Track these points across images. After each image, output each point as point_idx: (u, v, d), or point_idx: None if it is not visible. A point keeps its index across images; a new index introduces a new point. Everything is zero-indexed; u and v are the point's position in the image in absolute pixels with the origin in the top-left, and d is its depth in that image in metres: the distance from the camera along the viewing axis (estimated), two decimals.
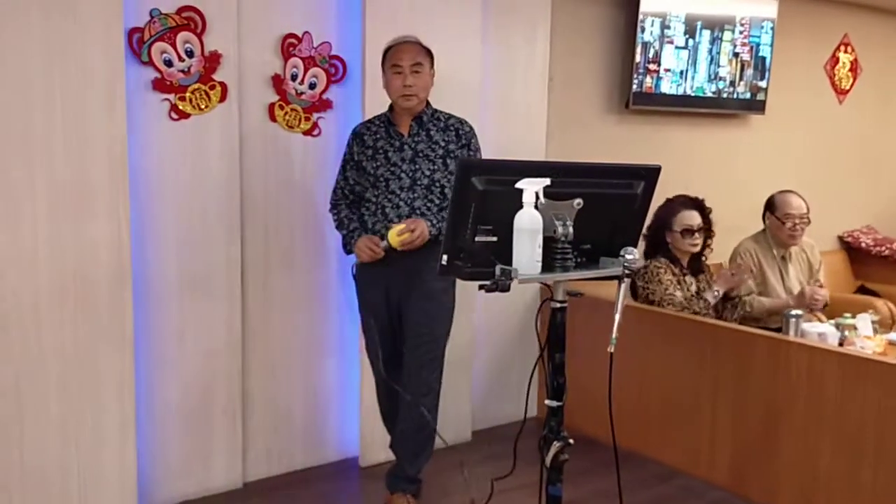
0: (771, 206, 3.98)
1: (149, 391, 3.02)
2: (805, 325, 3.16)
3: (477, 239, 2.12)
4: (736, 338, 3.27)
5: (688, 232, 3.71)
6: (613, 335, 2.29)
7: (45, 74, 2.60)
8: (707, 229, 3.83)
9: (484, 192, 2.10)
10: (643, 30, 4.23)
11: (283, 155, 3.24)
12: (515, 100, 3.88)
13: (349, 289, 3.19)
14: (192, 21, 2.93)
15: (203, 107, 2.99)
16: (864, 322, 3.52)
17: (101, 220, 2.75)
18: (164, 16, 2.88)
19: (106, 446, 2.85)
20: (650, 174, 2.28)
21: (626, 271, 2.24)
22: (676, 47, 4.40)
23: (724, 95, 4.66)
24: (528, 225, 2.06)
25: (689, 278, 3.76)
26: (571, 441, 2.21)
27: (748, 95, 4.75)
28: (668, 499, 3.28)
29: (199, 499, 3.17)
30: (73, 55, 2.64)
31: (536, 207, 2.08)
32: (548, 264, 2.12)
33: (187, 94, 2.96)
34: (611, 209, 2.24)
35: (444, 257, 2.13)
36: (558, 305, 2.20)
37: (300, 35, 3.21)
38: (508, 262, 2.07)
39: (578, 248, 2.24)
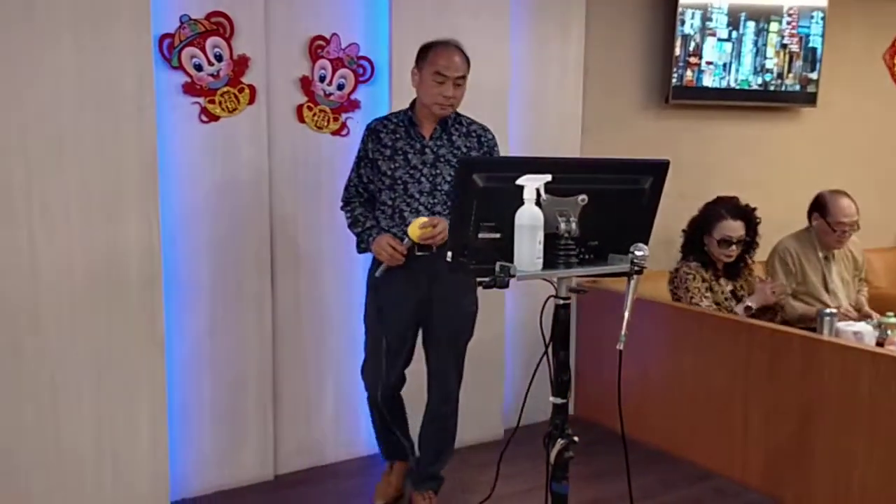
0: (821, 208, 3.80)
1: (182, 386, 3.13)
2: (840, 325, 3.06)
3: (480, 236, 2.13)
4: (769, 337, 3.19)
5: (726, 242, 3.59)
6: (623, 332, 2.25)
7: (77, 80, 2.71)
8: (749, 241, 3.69)
9: (485, 189, 2.10)
10: (683, 22, 4.16)
11: (312, 155, 3.31)
12: (548, 97, 3.87)
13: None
14: (220, 26, 3.02)
15: (232, 109, 3.08)
16: None
17: (132, 222, 2.85)
18: (193, 21, 2.97)
19: (138, 440, 2.96)
20: (658, 169, 2.25)
21: (636, 268, 2.21)
22: (719, 40, 4.30)
23: (772, 88, 4.54)
24: (529, 221, 2.05)
25: (723, 280, 3.66)
26: (576, 439, 2.19)
27: (798, 88, 4.61)
28: (697, 501, 3.23)
29: (231, 490, 3.26)
30: (103, 61, 2.75)
31: (539, 204, 2.08)
32: (551, 261, 2.11)
33: (216, 97, 3.05)
34: (618, 205, 2.22)
35: (449, 254, 2.15)
36: (561, 302, 2.18)
37: (328, 37, 3.27)
38: (513, 258, 2.07)
39: (586, 245, 2.23)
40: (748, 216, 3.69)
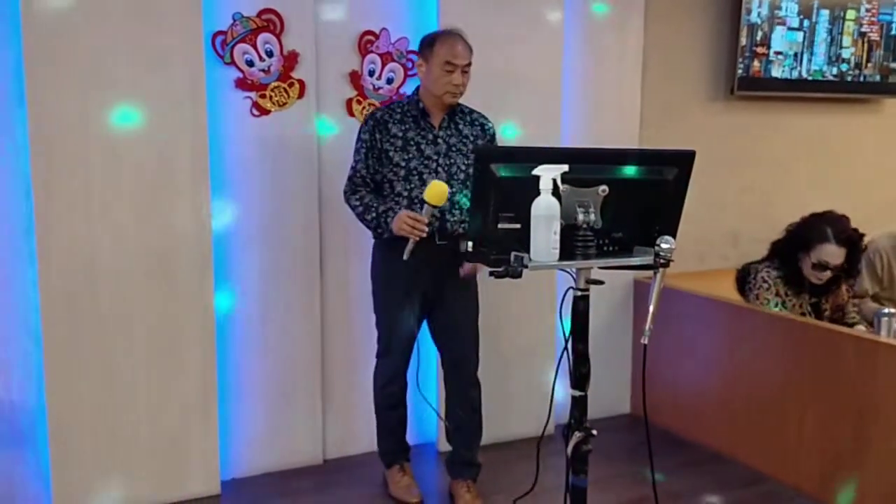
0: None
1: (234, 371, 3.25)
2: None
3: (500, 226, 2.13)
4: (824, 337, 3.06)
5: (821, 267, 3.29)
6: (647, 326, 2.23)
7: (132, 76, 2.86)
8: (848, 269, 3.37)
9: (503, 178, 2.10)
10: (749, 11, 4.02)
11: None
12: (604, 90, 3.82)
13: None
14: (271, 23, 3.12)
15: (282, 103, 3.18)
16: None
17: (184, 212, 2.99)
18: (245, 19, 3.08)
19: (190, 420, 3.10)
20: (683, 160, 2.19)
21: (661, 261, 2.17)
22: (789, 29, 4.14)
23: (849, 78, 4.33)
24: (545, 212, 2.04)
25: (804, 295, 3.42)
26: (594, 432, 2.17)
27: (878, 78, 4.39)
28: None
29: (280, 472, 3.37)
30: (157, 58, 2.89)
31: (558, 194, 2.07)
32: (569, 252, 2.10)
33: (267, 92, 3.15)
34: (642, 197, 2.18)
35: (469, 244, 2.16)
36: (580, 294, 2.17)
37: (377, 32, 3.33)
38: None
39: (610, 237, 2.21)
40: (854, 244, 3.32)
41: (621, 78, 3.85)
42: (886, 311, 2.95)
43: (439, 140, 2.90)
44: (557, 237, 2.06)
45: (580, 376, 2.18)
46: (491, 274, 2.05)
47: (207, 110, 3.01)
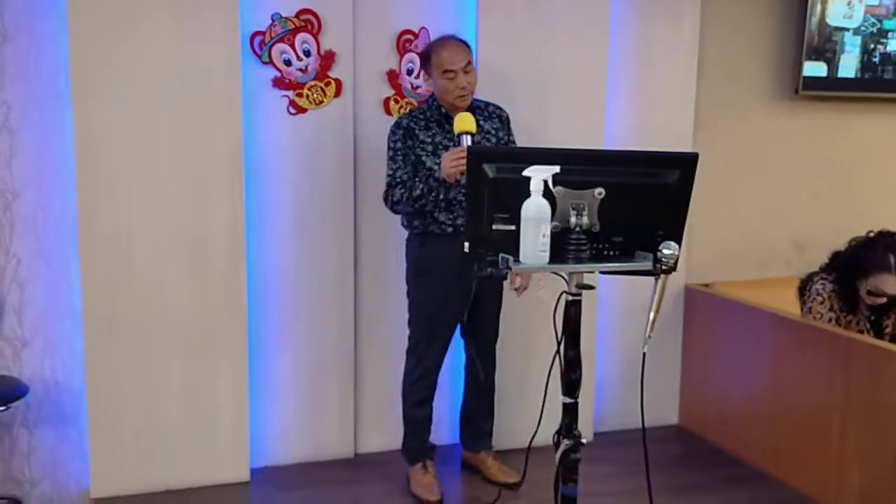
0: None
1: (267, 362, 3.33)
2: None
3: (494, 227, 2.11)
4: (868, 353, 2.87)
5: (876, 295, 3.10)
6: (647, 334, 2.16)
7: (171, 76, 2.98)
8: None
9: (496, 179, 2.08)
10: (815, 5, 3.80)
11: None
12: (654, 87, 3.71)
13: None
14: (309, 23, 3.18)
15: (318, 102, 3.24)
16: None
17: (219, 207, 3.09)
18: (284, 19, 3.16)
19: (222, 410, 3.20)
20: (685, 163, 2.10)
21: (663, 267, 2.10)
22: (854, 31, 3.89)
23: None
24: (534, 214, 2.00)
25: (862, 312, 3.22)
26: (584, 441, 2.11)
27: None
28: None
29: (311, 463, 3.43)
30: (195, 58, 3.00)
31: (552, 196, 2.03)
32: (561, 255, 2.05)
33: (304, 91, 3.22)
34: (642, 200, 2.10)
35: (467, 245, 2.15)
36: (571, 298, 2.11)
37: (416, 31, 3.34)
38: None
39: (610, 241, 2.14)
40: None
41: (673, 77, 3.72)
42: None
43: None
44: (547, 240, 2.01)
45: (571, 383, 2.12)
46: (476, 276, 2.03)
47: (245, 108, 3.10)
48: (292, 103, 3.22)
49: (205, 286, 3.12)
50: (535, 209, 2.01)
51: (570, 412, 2.13)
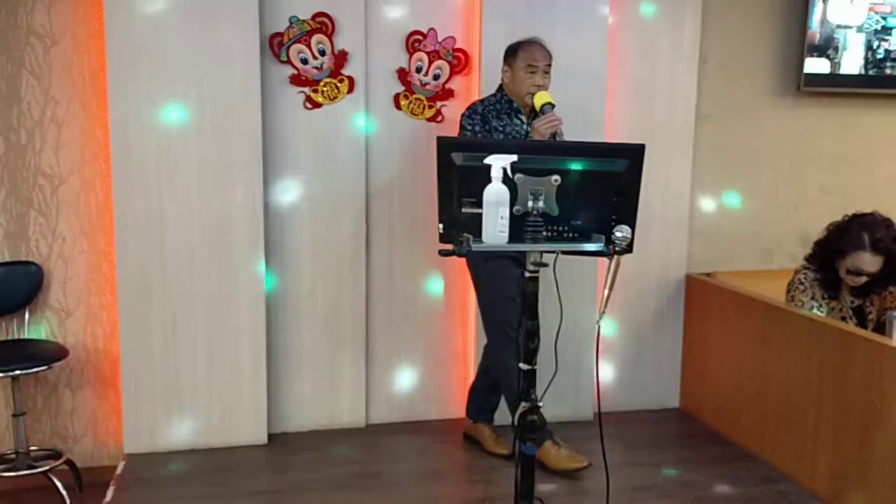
0: None
1: (284, 335, 3.63)
2: None
3: (463, 210, 2.34)
4: (839, 338, 3.00)
5: (855, 273, 3.23)
6: (601, 310, 2.35)
7: (197, 74, 3.30)
8: (887, 277, 3.25)
9: (463, 167, 2.31)
10: (816, 3, 3.90)
11: (408, 139, 3.65)
12: (655, 85, 3.87)
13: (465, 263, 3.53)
14: (324, 25, 3.46)
15: (333, 97, 3.52)
16: None
17: (240, 192, 3.39)
18: (301, 21, 3.44)
19: (241, 377, 3.51)
20: (632, 153, 2.30)
21: (616, 248, 2.29)
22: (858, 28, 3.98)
23: None
24: (494, 198, 2.23)
25: (844, 298, 3.36)
26: (541, 404, 2.33)
27: None
28: (754, 500, 3.13)
29: (325, 430, 3.71)
30: (219, 58, 3.31)
31: (512, 182, 2.25)
32: (519, 236, 2.27)
33: (320, 87, 3.50)
34: (595, 187, 2.31)
35: (441, 226, 2.39)
36: (528, 275, 2.33)
37: (425, 31, 3.58)
38: None
39: (569, 224, 2.35)
40: (892, 255, 3.21)
41: (675, 75, 3.88)
42: None
43: (529, 134, 3.18)
44: (506, 222, 2.23)
45: (529, 351, 2.34)
46: (440, 253, 2.27)
47: (264, 104, 3.40)
48: (308, 98, 3.50)
49: (227, 264, 3.43)
50: (494, 193, 2.24)
51: (528, 378, 2.36)
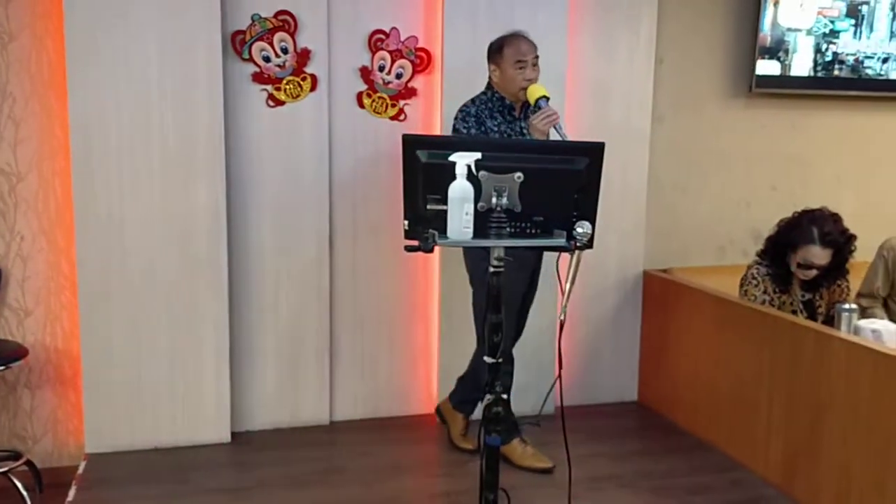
0: None
1: (247, 332, 3.63)
2: (861, 322, 2.92)
3: (428, 207, 2.38)
4: (789, 329, 3.11)
5: (806, 267, 3.34)
6: (563, 303, 2.41)
7: (159, 70, 3.29)
8: (835, 270, 3.38)
9: (428, 164, 2.35)
10: (766, 8, 4.03)
11: (371, 137, 3.67)
12: (613, 85, 3.95)
13: (429, 258, 3.62)
14: (286, 23, 3.47)
15: (296, 95, 3.53)
16: None
17: (202, 187, 3.39)
18: (263, 19, 3.45)
19: (204, 375, 3.50)
20: (592, 151, 2.36)
21: (578, 244, 2.35)
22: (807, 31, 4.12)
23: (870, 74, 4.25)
24: (459, 194, 2.27)
25: (795, 292, 3.46)
26: (505, 396, 2.38)
27: None
28: (708, 487, 3.23)
29: (289, 428, 3.72)
30: (181, 55, 3.30)
31: (477, 179, 2.30)
32: (484, 232, 2.32)
33: (282, 85, 3.51)
34: (557, 184, 2.37)
35: (406, 223, 2.43)
36: (492, 269, 2.38)
37: (387, 31, 3.62)
38: None
39: (531, 220, 2.40)
40: (841, 248, 3.34)
41: (632, 76, 3.97)
42: (847, 305, 2.97)
43: (524, 130, 3.21)
44: (470, 218, 2.28)
45: (493, 345, 2.39)
46: (406, 248, 2.30)
47: (226, 101, 3.40)
48: (271, 97, 3.51)
49: (190, 263, 3.42)
50: (459, 190, 2.28)
51: (492, 371, 2.41)
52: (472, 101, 3.26)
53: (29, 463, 3.35)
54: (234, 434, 3.59)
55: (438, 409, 3.69)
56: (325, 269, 3.69)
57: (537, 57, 3.20)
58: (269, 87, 3.50)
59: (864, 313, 3.51)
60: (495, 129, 3.19)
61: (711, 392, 3.62)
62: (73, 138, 3.24)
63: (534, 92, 3.11)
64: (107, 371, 3.38)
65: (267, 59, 3.48)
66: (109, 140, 3.28)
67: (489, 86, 3.27)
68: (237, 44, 3.44)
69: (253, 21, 3.44)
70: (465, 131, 3.19)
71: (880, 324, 2.92)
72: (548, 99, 3.09)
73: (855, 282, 3.61)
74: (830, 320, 3.39)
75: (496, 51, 3.22)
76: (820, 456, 2.94)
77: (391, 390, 3.89)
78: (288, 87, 3.52)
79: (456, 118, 3.22)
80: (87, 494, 3.09)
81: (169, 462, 3.38)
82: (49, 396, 3.49)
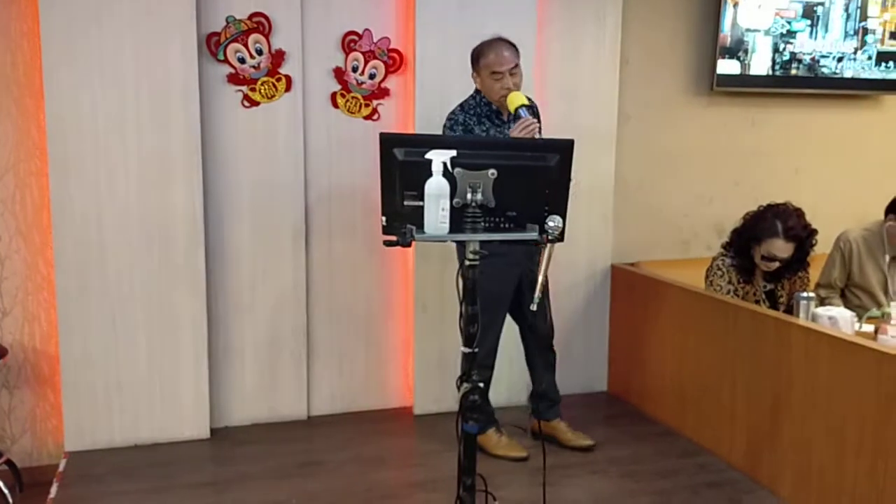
0: None
1: (225, 330, 3.69)
2: (819, 309, 3.06)
3: (406, 203, 2.46)
4: (750, 318, 3.25)
5: (769, 259, 3.47)
6: (536, 294, 2.51)
7: (136, 70, 3.33)
8: (797, 262, 3.51)
9: (405, 161, 2.44)
10: (726, 7, 4.17)
11: (345, 137, 3.74)
12: (580, 84, 4.06)
13: (404, 255, 3.70)
14: (261, 24, 3.52)
15: (270, 96, 3.59)
16: None
17: (179, 188, 3.44)
18: (237, 21, 3.50)
19: (183, 372, 3.55)
20: (563, 148, 2.46)
21: (549, 237, 2.44)
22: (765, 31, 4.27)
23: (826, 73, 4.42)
24: (435, 191, 2.35)
25: (758, 283, 3.60)
26: (481, 384, 2.47)
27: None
28: (675, 472, 3.35)
29: (268, 423, 3.78)
30: (156, 57, 3.35)
31: (452, 176, 2.39)
32: (459, 227, 2.40)
33: (257, 86, 3.56)
34: (529, 180, 2.46)
35: (384, 218, 2.51)
36: (468, 263, 2.47)
37: (360, 32, 3.69)
38: None
39: (504, 215, 2.50)
40: (803, 242, 3.47)
41: (598, 75, 4.08)
42: (805, 294, 3.11)
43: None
44: (447, 213, 2.36)
45: (469, 335, 2.48)
46: (385, 243, 2.39)
47: (202, 102, 3.45)
48: (246, 97, 3.57)
49: (167, 261, 3.47)
50: (435, 187, 2.37)
51: (469, 360, 2.49)
52: (461, 106, 3.30)
53: (9, 462, 3.37)
54: (213, 430, 3.65)
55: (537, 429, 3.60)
56: (301, 267, 3.75)
57: (517, 65, 3.19)
58: (244, 88, 3.56)
59: (822, 303, 3.68)
60: (483, 134, 3.23)
61: (678, 380, 3.75)
62: (49, 139, 3.27)
63: (514, 100, 3.11)
64: (85, 370, 3.42)
65: (242, 61, 3.53)
66: (86, 141, 3.31)
67: (477, 90, 3.30)
68: (212, 45, 3.49)
69: (227, 23, 3.49)
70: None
71: (836, 311, 3.06)
72: (528, 107, 3.09)
73: (814, 273, 3.77)
74: (790, 309, 3.53)
75: (475, 60, 3.26)
76: (781, 437, 3.07)
77: (368, 384, 3.96)
78: (263, 87, 3.57)
79: (444, 126, 3.26)
80: (69, 491, 3.13)
81: (149, 458, 3.43)
82: (28, 396, 3.51)
